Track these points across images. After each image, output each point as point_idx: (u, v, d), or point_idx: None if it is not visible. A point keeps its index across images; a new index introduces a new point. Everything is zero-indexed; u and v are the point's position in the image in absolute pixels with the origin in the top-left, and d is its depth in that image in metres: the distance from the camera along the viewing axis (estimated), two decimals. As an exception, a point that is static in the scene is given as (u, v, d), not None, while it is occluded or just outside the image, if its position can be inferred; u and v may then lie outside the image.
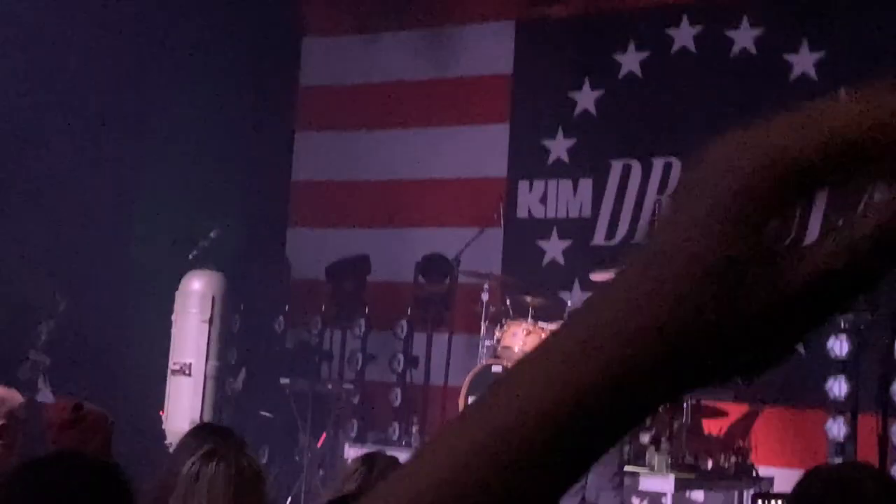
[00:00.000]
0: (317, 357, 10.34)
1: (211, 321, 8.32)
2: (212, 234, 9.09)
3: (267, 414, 9.54)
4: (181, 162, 9.89)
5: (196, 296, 8.38)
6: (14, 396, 4.66)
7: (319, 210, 11.41)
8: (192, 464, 3.24)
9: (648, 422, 8.32)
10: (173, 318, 8.49)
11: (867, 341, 8.47)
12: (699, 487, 8.61)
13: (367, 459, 4.00)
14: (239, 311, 9.16)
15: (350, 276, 10.62)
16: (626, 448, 8.17)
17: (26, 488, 1.93)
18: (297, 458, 9.55)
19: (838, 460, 7.74)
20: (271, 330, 10.41)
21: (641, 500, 8.94)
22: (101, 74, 9.76)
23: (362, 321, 10.24)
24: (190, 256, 8.84)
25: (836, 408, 8.38)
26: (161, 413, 8.41)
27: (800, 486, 2.07)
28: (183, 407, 8.11)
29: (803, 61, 9.36)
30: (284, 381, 9.97)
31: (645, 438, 8.22)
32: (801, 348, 9.06)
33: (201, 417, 7.85)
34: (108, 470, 2.02)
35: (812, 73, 9.33)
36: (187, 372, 8.19)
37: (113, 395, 4.80)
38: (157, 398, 8.32)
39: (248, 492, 3.27)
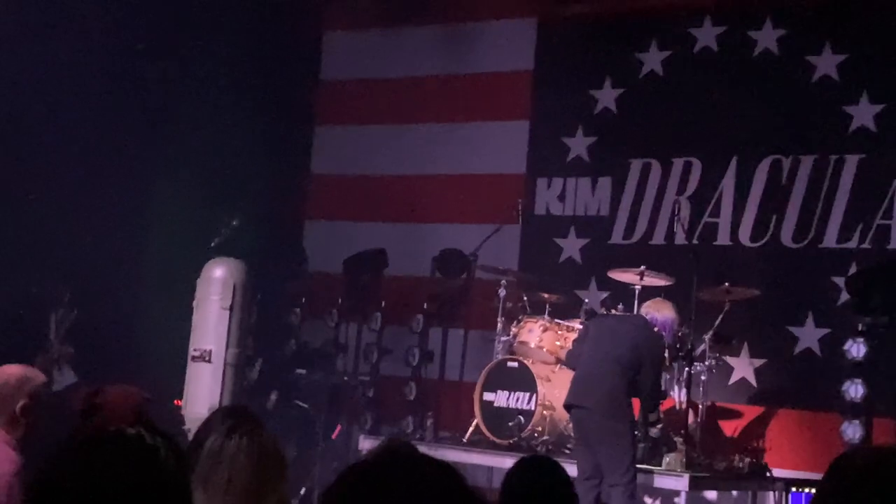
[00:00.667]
0: (333, 349, 10.36)
1: (232, 308, 8.35)
2: (234, 223, 9.12)
3: (302, 404, 9.56)
4: (202, 154, 9.93)
5: (218, 283, 8.41)
6: (37, 376, 4.70)
7: (338, 203, 11.43)
8: (215, 439, 3.25)
9: (665, 421, 8.32)
10: (194, 304, 8.52)
11: (884, 344, 8.46)
12: (713, 487, 8.61)
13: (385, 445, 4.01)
14: (257, 301, 9.18)
15: (367, 270, 10.64)
16: (641, 446, 8.17)
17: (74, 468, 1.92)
18: (311, 449, 9.56)
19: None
20: (288, 321, 10.44)
21: (655, 499, 8.95)
22: (124, 66, 9.80)
23: (378, 315, 10.27)
24: (212, 244, 8.87)
25: (851, 410, 8.37)
26: (177, 403, 8.44)
27: (837, 464, 2.07)
28: (203, 393, 8.15)
29: (826, 63, 9.34)
30: (300, 372, 10.00)
31: (661, 437, 8.22)
32: (817, 351, 9.07)
33: (220, 404, 7.87)
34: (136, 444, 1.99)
35: (834, 74, 9.31)
36: (207, 358, 8.22)
37: (132, 381, 4.82)
38: (177, 385, 8.35)
39: (271, 466, 3.28)
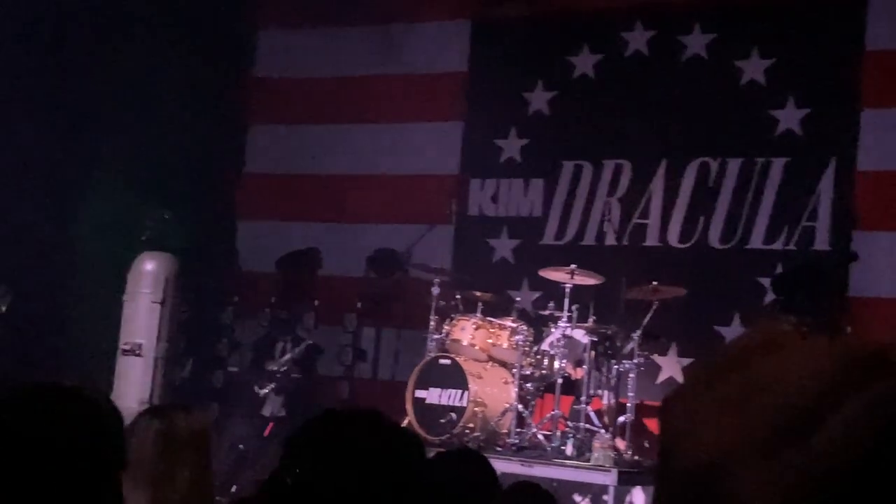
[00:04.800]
0: (265, 349, 10.34)
1: (163, 302, 8.31)
2: (165, 216, 9.08)
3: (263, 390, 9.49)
4: (134, 148, 9.87)
5: (149, 276, 8.38)
6: None
7: (271, 202, 11.40)
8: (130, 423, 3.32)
9: (596, 419, 8.43)
10: (125, 298, 8.47)
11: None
12: (640, 483, 8.72)
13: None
14: (189, 299, 9.14)
15: (300, 269, 10.65)
16: (571, 442, 8.27)
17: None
18: (241, 448, 9.53)
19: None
20: (220, 320, 10.40)
21: (584, 496, 9.05)
22: (53, 58, 9.70)
23: (311, 314, 10.27)
24: (143, 238, 8.82)
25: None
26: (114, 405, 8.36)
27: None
28: (133, 387, 8.10)
29: (753, 67, 9.53)
30: (232, 370, 9.97)
31: (588, 434, 8.32)
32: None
33: (151, 398, 7.85)
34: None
35: (761, 79, 9.51)
36: (138, 352, 8.18)
37: (61, 375, 4.79)
38: (106, 379, 8.29)
39: (181, 448, 3.34)
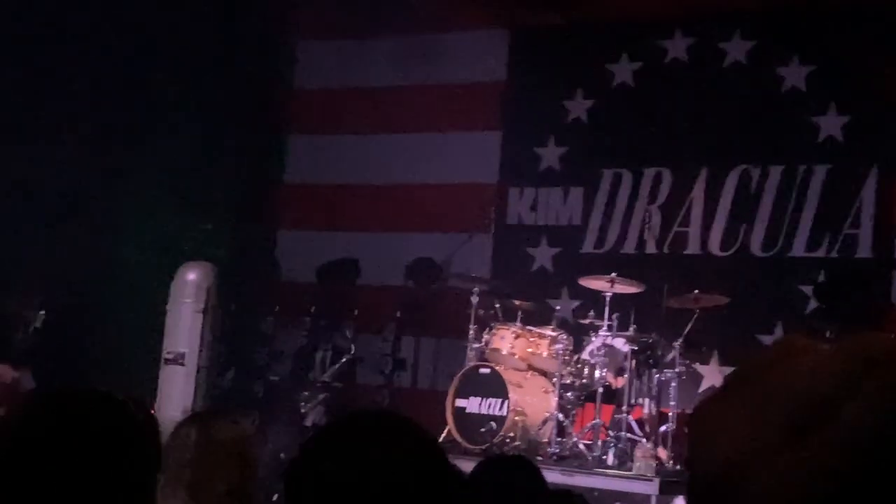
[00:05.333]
0: (305, 358, 10.36)
1: (205, 312, 8.35)
2: (208, 226, 9.14)
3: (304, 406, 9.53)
4: (177, 160, 9.94)
5: (191, 286, 8.42)
6: (5, 372, 4.73)
7: (310, 212, 11.45)
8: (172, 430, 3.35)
9: (637, 429, 8.39)
10: (168, 307, 8.52)
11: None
12: (683, 493, 8.65)
13: None
14: (230, 309, 9.18)
15: (340, 279, 10.66)
16: (612, 452, 8.23)
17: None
18: (282, 457, 9.55)
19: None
20: (261, 329, 10.44)
21: (625, 505, 9.00)
22: (93, 78, 9.78)
23: (351, 324, 10.28)
24: (185, 248, 8.88)
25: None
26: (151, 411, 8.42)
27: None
28: (176, 396, 8.13)
29: (794, 74, 9.47)
30: (273, 379, 10.00)
31: (630, 444, 8.28)
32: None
33: (193, 406, 7.88)
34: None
35: (802, 86, 9.44)
36: (181, 361, 8.22)
37: (105, 384, 4.83)
38: (150, 388, 8.33)
39: (222, 455, 3.35)
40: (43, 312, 8.75)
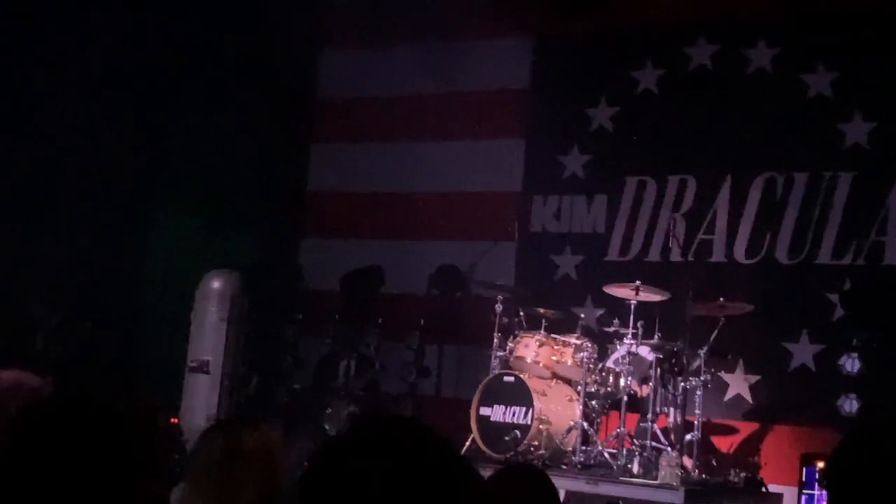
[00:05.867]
0: (330, 367, 10.37)
1: (229, 320, 8.38)
2: (232, 235, 9.18)
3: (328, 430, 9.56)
4: (201, 169, 9.98)
5: (216, 294, 8.45)
6: (32, 380, 4.73)
7: (334, 221, 11.46)
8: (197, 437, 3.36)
9: (662, 437, 8.35)
10: (192, 316, 8.55)
11: (878, 360, 8.50)
12: (708, 502, 8.62)
13: None
14: (254, 317, 9.21)
15: (363, 287, 10.67)
16: (637, 460, 8.20)
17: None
18: (306, 465, 9.55)
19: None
20: (284, 337, 10.45)
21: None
22: (120, 88, 9.84)
23: (375, 332, 10.28)
24: (210, 257, 8.91)
25: (847, 425, 8.39)
26: (173, 420, 8.44)
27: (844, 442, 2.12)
28: (200, 403, 8.16)
29: (819, 81, 9.42)
30: (297, 387, 10.01)
31: (655, 452, 8.24)
32: (812, 366, 9.10)
33: (218, 414, 7.90)
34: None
35: (828, 92, 9.39)
36: (205, 369, 8.25)
37: (130, 391, 4.86)
38: (174, 396, 8.37)
39: (247, 463, 3.35)
40: (89, 324, 8.79)
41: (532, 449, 8.49)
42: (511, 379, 8.72)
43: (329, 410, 9.53)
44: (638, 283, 8.61)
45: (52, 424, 2.03)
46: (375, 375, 10.15)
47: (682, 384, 8.51)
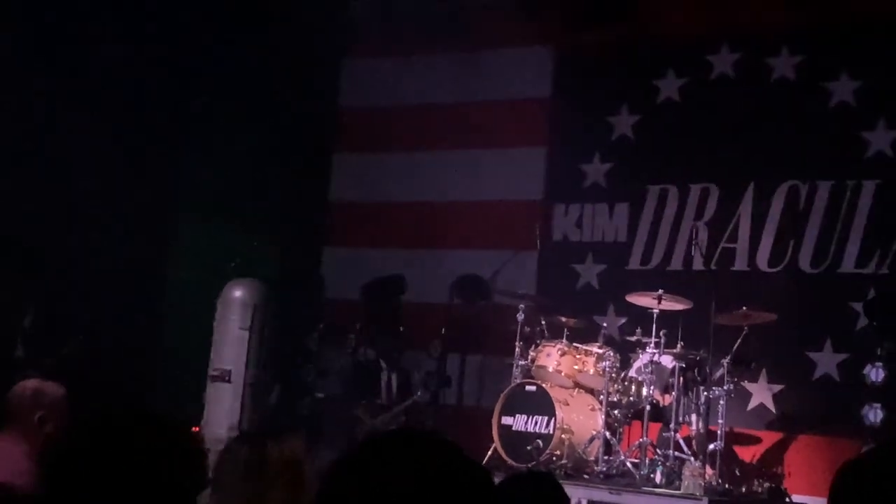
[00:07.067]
0: (351, 375, 10.37)
1: (251, 329, 8.39)
2: (253, 244, 9.20)
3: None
4: (223, 178, 10.02)
5: (238, 303, 8.47)
6: (54, 389, 4.78)
7: (356, 230, 11.48)
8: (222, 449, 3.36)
9: (685, 447, 8.32)
10: (214, 325, 8.57)
11: (904, 369, 8.44)
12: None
13: None
14: (276, 326, 9.22)
15: (385, 296, 10.67)
16: (660, 470, 8.16)
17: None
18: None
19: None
20: (306, 347, 10.46)
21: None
22: (143, 98, 9.89)
23: (397, 341, 10.28)
24: (232, 266, 8.93)
25: (871, 435, 8.35)
26: (195, 429, 8.47)
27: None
28: (222, 413, 8.17)
29: (842, 89, 9.38)
30: (319, 396, 10.02)
31: (678, 462, 8.21)
32: (836, 376, 9.05)
33: (240, 424, 7.91)
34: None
35: (851, 100, 9.35)
36: (227, 378, 8.26)
37: (152, 400, 4.87)
38: (196, 405, 8.38)
39: (272, 475, 3.35)
40: (81, 337, 8.80)
41: (554, 458, 8.47)
42: (533, 388, 8.70)
43: (369, 423, 9.50)
44: (660, 291, 8.59)
45: (128, 439, 2.03)
46: (427, 386, 10.09)
47: (705, 393, 8.48)
